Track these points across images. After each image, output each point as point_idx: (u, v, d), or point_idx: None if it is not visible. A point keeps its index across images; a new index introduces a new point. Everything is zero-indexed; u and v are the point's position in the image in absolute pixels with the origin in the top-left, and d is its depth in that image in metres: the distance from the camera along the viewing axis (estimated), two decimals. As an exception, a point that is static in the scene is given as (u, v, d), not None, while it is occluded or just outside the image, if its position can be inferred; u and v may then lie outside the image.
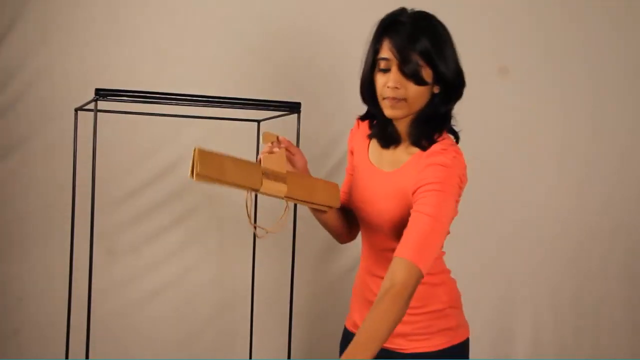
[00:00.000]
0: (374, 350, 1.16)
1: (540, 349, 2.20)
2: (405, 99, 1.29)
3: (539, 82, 2.20)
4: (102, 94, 1.34)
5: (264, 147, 1.35)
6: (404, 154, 1.37)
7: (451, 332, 1.41)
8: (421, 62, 1.27)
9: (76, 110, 1.59)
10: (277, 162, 1.33)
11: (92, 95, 1.34)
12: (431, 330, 1.39)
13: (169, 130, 1.99)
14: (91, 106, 1.40)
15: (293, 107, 1.56)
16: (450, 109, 1.35)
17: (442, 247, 1.31)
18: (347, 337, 1.53)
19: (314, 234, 2.06)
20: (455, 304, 1.44)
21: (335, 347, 2.14)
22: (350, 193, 1.47)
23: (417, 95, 1.29)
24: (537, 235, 2.21)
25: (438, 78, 1.29)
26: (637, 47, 2.23)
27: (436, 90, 1.32)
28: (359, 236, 1.53)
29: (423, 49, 1.27)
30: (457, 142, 1.36)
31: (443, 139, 1.33)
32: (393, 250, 1.28)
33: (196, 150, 1.18)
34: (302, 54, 2.06)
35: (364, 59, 1.34)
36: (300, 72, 2.06)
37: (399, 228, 1.33)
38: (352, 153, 1.51)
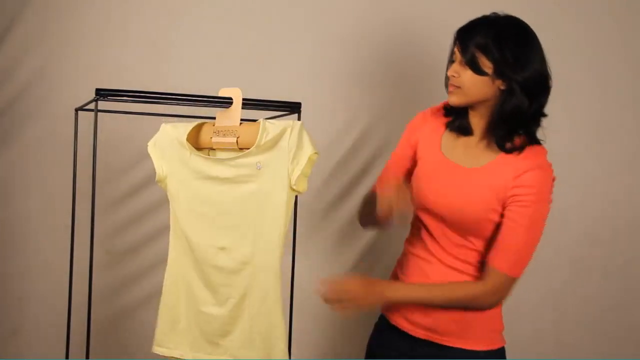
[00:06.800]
0: (415, 300, 1.36)
1: (540, 348, 2.20)
2: (460, 87, 1.36)
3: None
4: (102, 94, 1.34)
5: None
6: (485, 152, 1.40)
7: (497, 334, 1.45)
8: (478, 53, 1.32)
9: (76, 110, 1.58)
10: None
11: (92, 95, 1.34)
12: (483, 330, 1.44)
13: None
14: (91, 106, 1.40)
15: (293, 107, 1.56)
16: (530, 112, 1.36)
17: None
18: (388, 330, 1.52)
19: (315, 234, 2.06)
20: (499, 307, 1.48)
21: (335, 347, 2.14)
22: (416, 184, 1.47)
23: (472, 83, 1.34)
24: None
25: (499, 72, 1.32)
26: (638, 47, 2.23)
27: (502, 86, 1.34)
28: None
29: (481, 41, 1.32)
30: None
31: (532, 146, 1.38)
32: (453, 243, 1.38)
33: None
34: (302, 54, 2.05)
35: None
36: (300, 72, 2.05)
37: (469, 225, 1.38)
38: (409, 143, 1.51)
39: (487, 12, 1.43)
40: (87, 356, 1.39)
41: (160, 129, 1.45)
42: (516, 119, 1.36)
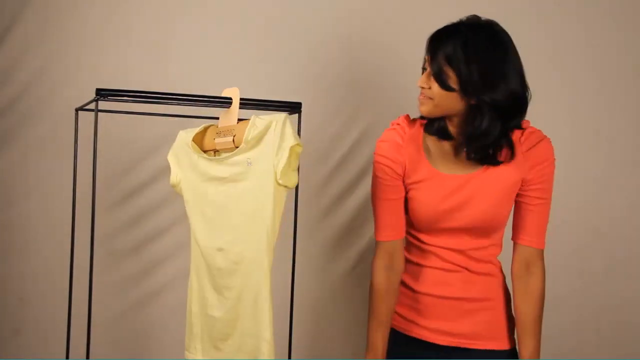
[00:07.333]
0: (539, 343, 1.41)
1: (543, 349, 2.20)
2: (431, 98, 1.33)
3: (544, 82, 2.19)
4: (102, 94, 1.34)
5: None
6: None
7: (514, 332, 1.46)
8: (446, 67, 1.28)
9: (76, 110, 1.59)
10: None
11: (92, 95, 1.34)
12: (507, 328, 1.45)
13: (169, 130, 1.98)
14: (92, 106, 1.40)
15: (293, 107, 1.56)
16: (500, 129, 1.33)
17: None
18: (408, 344, 1.48)
19: (315, 234, 2.06)
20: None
21: (335, 346, 2.14)
22: (425, 210, 1.40)
23: (441, 97, 1.31)
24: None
25: (465, 90, 1.28)
26: None
27: (472, 101, 1.30)
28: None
29: (449, 51, 1.28)
30: None
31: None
32: (473, 248, 1.38)
33: None
34: (302, 54, 2.05)
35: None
36: (300, 72, 2.05)
37: (494, 223, 1.39)
38: (397, 176, 1.43)
39: (489, 13, 1.42)
40: (87, 356, 1.39)
41: (177, 136, 1.48)
42: (486, 140, 1.33)
